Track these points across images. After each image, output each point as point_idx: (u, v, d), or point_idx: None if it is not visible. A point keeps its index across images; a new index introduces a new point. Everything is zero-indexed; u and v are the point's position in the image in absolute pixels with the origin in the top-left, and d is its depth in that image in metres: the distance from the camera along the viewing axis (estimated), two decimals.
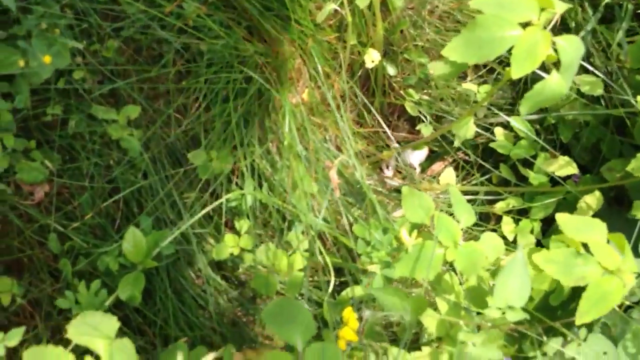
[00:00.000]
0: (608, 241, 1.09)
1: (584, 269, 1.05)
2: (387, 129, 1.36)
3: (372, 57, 1.34)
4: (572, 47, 0.92)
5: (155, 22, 1.14)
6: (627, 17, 1.32)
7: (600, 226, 1.10)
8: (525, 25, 0.90)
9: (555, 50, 0.92)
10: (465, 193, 1.53)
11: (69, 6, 1.11)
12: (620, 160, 1.32)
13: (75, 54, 1.13)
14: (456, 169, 1.62)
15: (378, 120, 1.57)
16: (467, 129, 1.15)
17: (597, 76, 1.36)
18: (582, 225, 1.11)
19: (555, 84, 0.92)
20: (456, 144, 1.17)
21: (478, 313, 1.14)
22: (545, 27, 0.89)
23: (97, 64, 1.15)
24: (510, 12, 0.89)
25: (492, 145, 1.50)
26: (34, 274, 1.15)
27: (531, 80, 1.40)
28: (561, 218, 1.14)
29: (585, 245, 1.09)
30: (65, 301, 0.95)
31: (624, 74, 1.38)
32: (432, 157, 1.66)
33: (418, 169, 1.65)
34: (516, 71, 0.88)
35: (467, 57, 0.89)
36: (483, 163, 1.54)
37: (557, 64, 0.94)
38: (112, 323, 0.87)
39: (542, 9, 0.90)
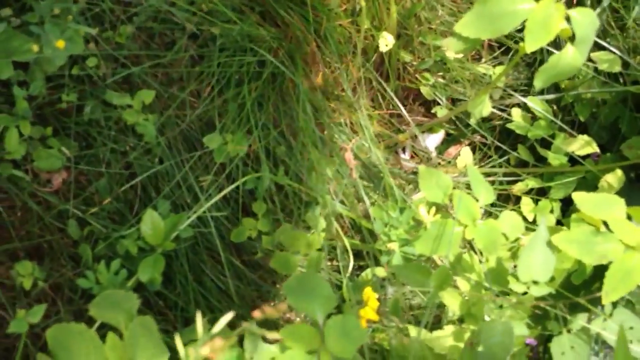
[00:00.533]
0: (629, 217, 1.07)
1: (605, 246, 1.03)
2: (403, 110, 1.35)
3: (386, 41, 1.33)
4: (586, 19, 0.91)
5: (167, 6, 1.14)
6: None
7: (619, 202, 1.08)
8: None
9: (569, 23, 0.91)
10: (483, 175, 1.51)
11: None
12: None
13: (88, 41, 1.14)
14: (473, 151, 1.61)
15: (393, 104, 1.56)
16: (483, 107, 1.14)
17: (615, 53, 1.35)
18: (600, 202, 1.10)
19: (570, 57, 0.91)
20: (472, 122, 1.17)
21: (500, 293, 1.13)
22: (558, 0, 0.88)
23: (110, 50, 1.15)
24: None
25: (509, 126, 1.49)
26: (54, 259, 1.15)
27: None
28: (578, 196, 1.12)
29: (605, 223, 1.08)
30: (86, 281, 0.96)
31: None
32: (448, 141, 1.65)
33: (434, 153, 1.64)
34: (530, 44, 0.87)
35: (479, 32, 0.88)
36: (500, 145, 1.53)
37: (571, 39, 0.92)
38: (133, 300, 0.87)
39: None
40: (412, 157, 1.61)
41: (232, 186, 1.14)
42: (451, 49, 1.01)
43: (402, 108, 1.36)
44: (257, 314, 0.57)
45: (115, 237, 1.09)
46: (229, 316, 0.56)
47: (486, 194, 1.14)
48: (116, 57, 1.16)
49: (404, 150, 1.59)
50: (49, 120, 1.16)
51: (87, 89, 1.15)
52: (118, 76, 1.16)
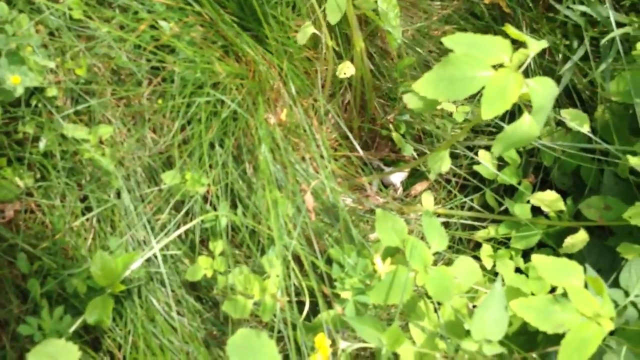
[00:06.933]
0: (586, 284, 1.08)
1: (562, 315, 1.04)
2: (362, 154, 1.34)
3: (346, 69, 1.32)
4: (544, 89, 0.90)
5: (126, 44, 1.12)
6: (613, 50, 1.30)
7: (577, 270, 1.09)
8: (497, 66, 0.88)
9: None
10: (446, 216, 1.51)
11: (43, 24, 1.10)
12: (599, 197, 1.31)
13: (48, 72, 1.12)
14: (439, 188, 1.61)
15: (359, 141, 1.56)
16: (442, 163, 1.14)
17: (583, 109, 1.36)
18: (559, 268, 1.11)
19: (526, 127, 0.91)
20: (431, 177, 1.16)
21: (452, 344, 1.12)
22: (519, 67, 0.88)
23: (71, 81, 1.13)
24: (482, 52, 0.87)
25: (475, 168, 1.49)
26: (2, 294, 1.13)
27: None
28: (538, 259, 1.13)
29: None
30: (28, 327, 0.94)
31: (611, 107, 1.37)
32: (415, 176, 1.65)
33: (400, 188, 1.64)
34: (486, 112, 0.86)
35: (437, 94, 0.87)
36: (467, 182, 1.53)
37: (529, 107, 0.92)
38: (73, 352, 0.86)
39: (515, 50, 0.88)
40: (378, 192, 1.61)
41: (188, 225, 1.13)
42: (412, 106, 1.01)
43: (361, 151, 1.36)
44: None
45: (64, 274, 1.08)
46: None
47: (439, 240, 1.14)
48: (74, 89, 1.14)
49: (370, 185, 1.59)
50: (5, 150, 1.14)
51: (45, 121, 1.13)
52: (76, 107, 1.15)
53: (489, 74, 0.86)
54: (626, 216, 1.14)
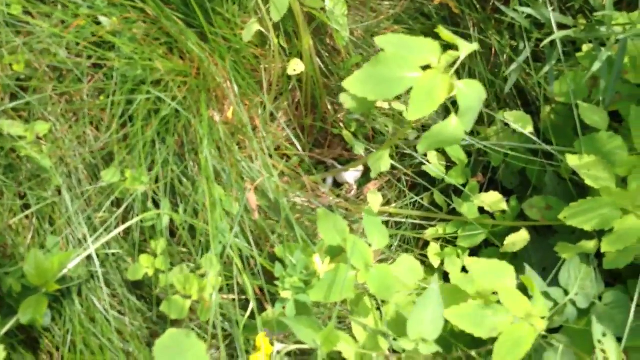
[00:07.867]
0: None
1: (494, 319, 1.06)
2: (301, 152, 1.34)
3: (294, 66, 1.31)
4: (472, 91, 0.91)
5: (64, 40, 1.11)
6: (554, 52, 1.31)
7: (510, 271, 1.11)
8: (427, 67, 0.88)
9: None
10: (398, 215, 1.52)
11: None
12: (541, 197, 1.32)
13: None
14: (391, 187, 1.61)
15: (312, 139, 1.56)
16: (382, 163, 1.15)
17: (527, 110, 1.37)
18: (492, 271, 1.13)
19: (453, 128, 0.91)
20: (373, 176, 1.17)
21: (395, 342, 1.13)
22: (449, 68, 0.88)
23: (8, 78, 1.11)
24: (411, 53, 0.88)
25: (424, 168, 1.50)
26: None
27: None
28: (471, 262, 1.15)
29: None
30: None
31: (555, 108, 1.39)
32: (369, 175, 1.65)
33: (355, 187, 1.64)
34: (413, 112, 0.86)
35: (366, 93, 0.87)
36: (419, 181, 1.54)
37: (457, 109, 0.93)
38: None
39: (444, 52, 0.89)
40: (339, 185, 1.61)
41: (128, 223, 1.12)
42: (347, 105, 1.01)
43: (301, 149, 1.36)
44: None
45: (0, 273, 1.06)
46: None
47: (380, 238, 1.14)
48: (10, 85, 1.12)
49: (324, 181, 1.59)
50: None
51: None
52: (14, 103, 1.13)
53: (417, 74, 0.86)
54: (561, 217, 1.15)
